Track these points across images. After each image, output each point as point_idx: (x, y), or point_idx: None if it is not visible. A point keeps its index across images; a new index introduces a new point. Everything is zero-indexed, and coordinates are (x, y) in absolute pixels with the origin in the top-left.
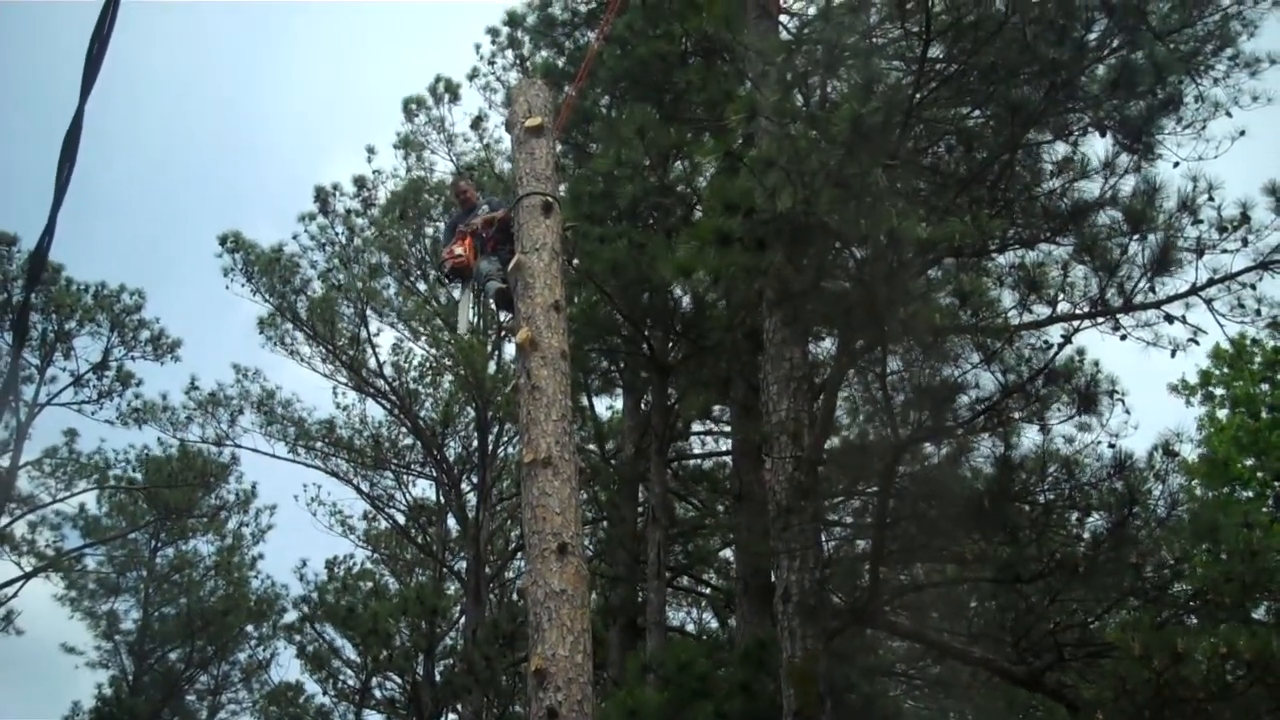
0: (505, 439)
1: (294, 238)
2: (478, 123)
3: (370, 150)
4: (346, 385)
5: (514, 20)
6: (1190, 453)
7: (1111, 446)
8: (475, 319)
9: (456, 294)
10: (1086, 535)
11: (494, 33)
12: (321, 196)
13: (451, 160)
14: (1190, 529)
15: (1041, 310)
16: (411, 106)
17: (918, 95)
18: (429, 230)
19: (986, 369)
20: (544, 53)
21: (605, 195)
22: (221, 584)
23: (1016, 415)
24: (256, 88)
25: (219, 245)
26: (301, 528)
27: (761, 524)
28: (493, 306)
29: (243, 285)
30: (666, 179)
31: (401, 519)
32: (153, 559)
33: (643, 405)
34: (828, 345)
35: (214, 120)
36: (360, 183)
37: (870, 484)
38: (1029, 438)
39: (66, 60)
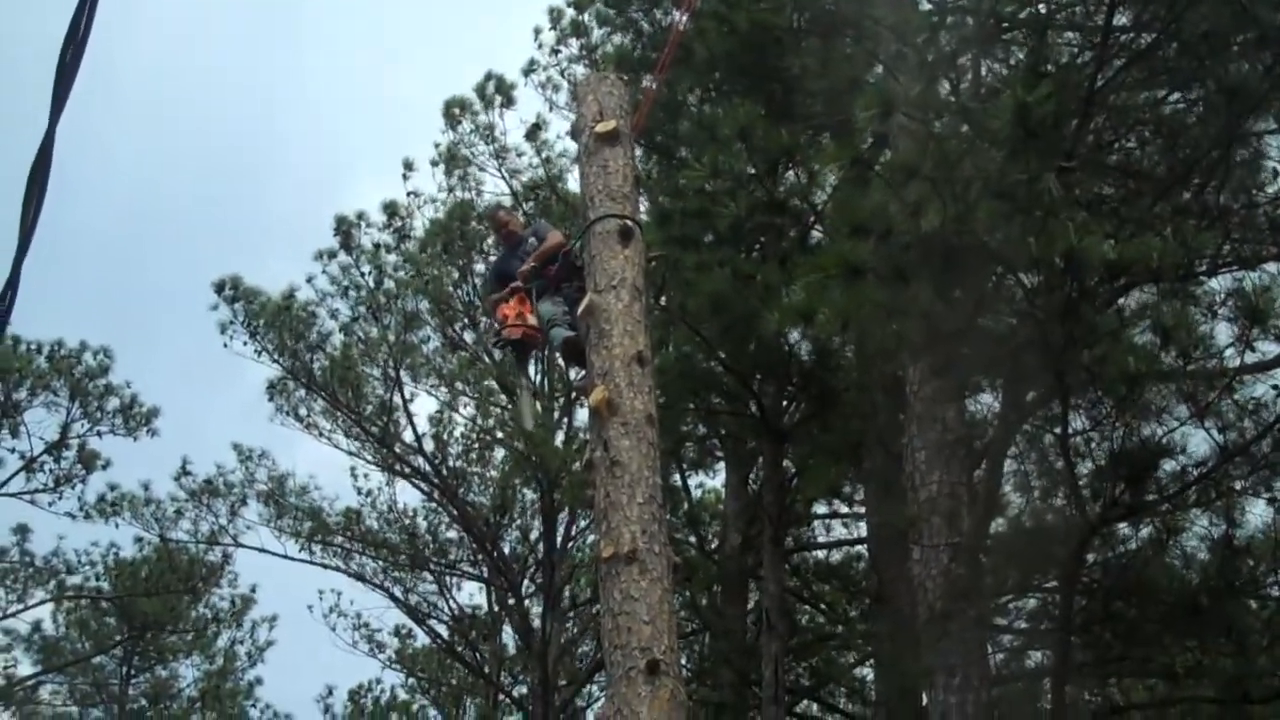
0: (577, 529)
1: (308, 281)
2: (535, 130)
3: (407, 167)
4: (375, 465)
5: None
6: None
7: None
8: (539, 410)
9: (514, 376)
10: None
11: (555, 15)
12: (343, 228)
13: (503, 177)
14: None
15: (1268, 349)
16: (454, 111)
17: (1100, 77)
18: (479, 266)
19: (1198, 426)
20: (616, 38)
21: (700, 214)
22: (211, 717)
23: (1239, 485)
24: (261, 92)
25: (214, 293)
26: (317, 645)
27: (908, 633)
28: (558, 360)
29: (245, 343)
30: (778, 193)
31: (445, 633)
32: (124, 688)
33: (751, 482)
34: (989, 400)
35: (206, 134)
36: (391, 209)
37: (1049, 578)
38: (1256, 514)
39: (31, 64)
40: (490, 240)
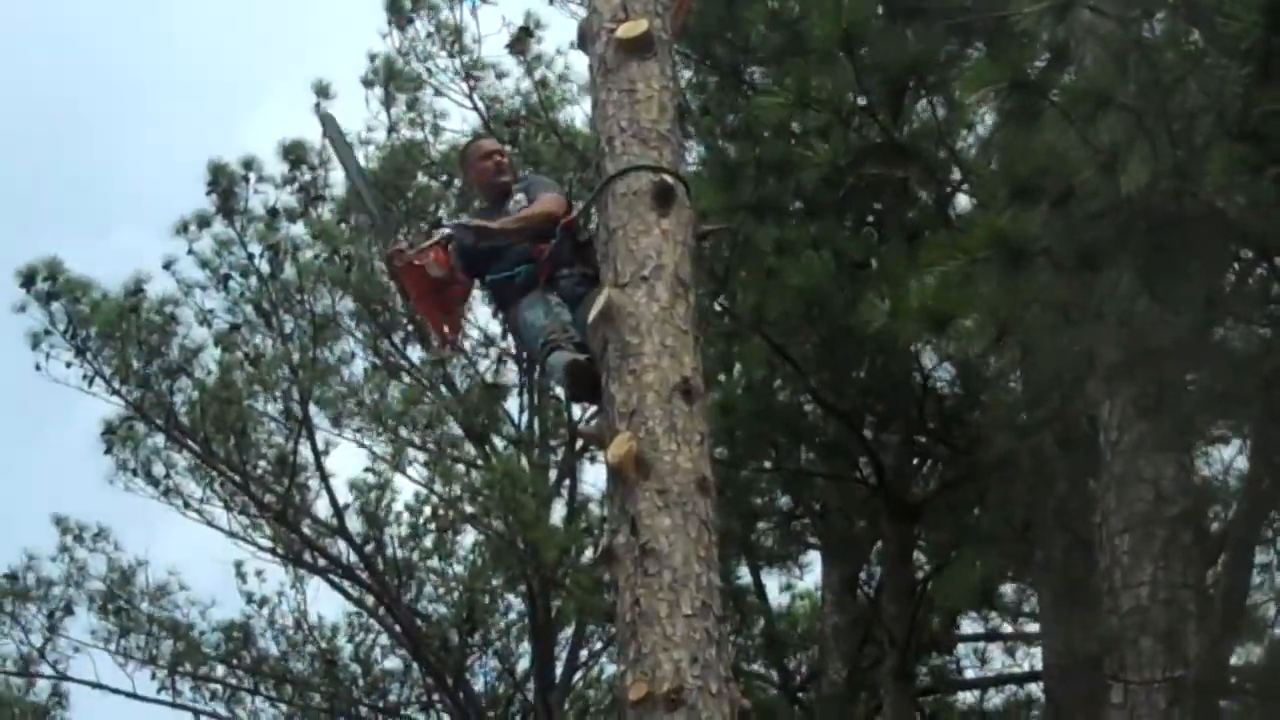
0: (588, 655)
1: (166, 267)
2: (523, 37)
3: (320, 92)
4: (271, 553)
5: None
6: None
7: None
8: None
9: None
10: None
11: None
12: (222, 183)
13: (474, 107)
14: None
15: None
16: (402, 4)
17: None
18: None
19: None
20: None
21: (782, 166)
22: None
23: None
24: None
25: (19, 286)
26: None
27: None
28: (554, 392)
29: (69, 364)
30: (901, 132)
31: None
32: None
33: (863, 585)
34: (1229, 455)
35: (29, 49)
36: (296, 155)
37: None
38: None
39: None
40: (451, 203)
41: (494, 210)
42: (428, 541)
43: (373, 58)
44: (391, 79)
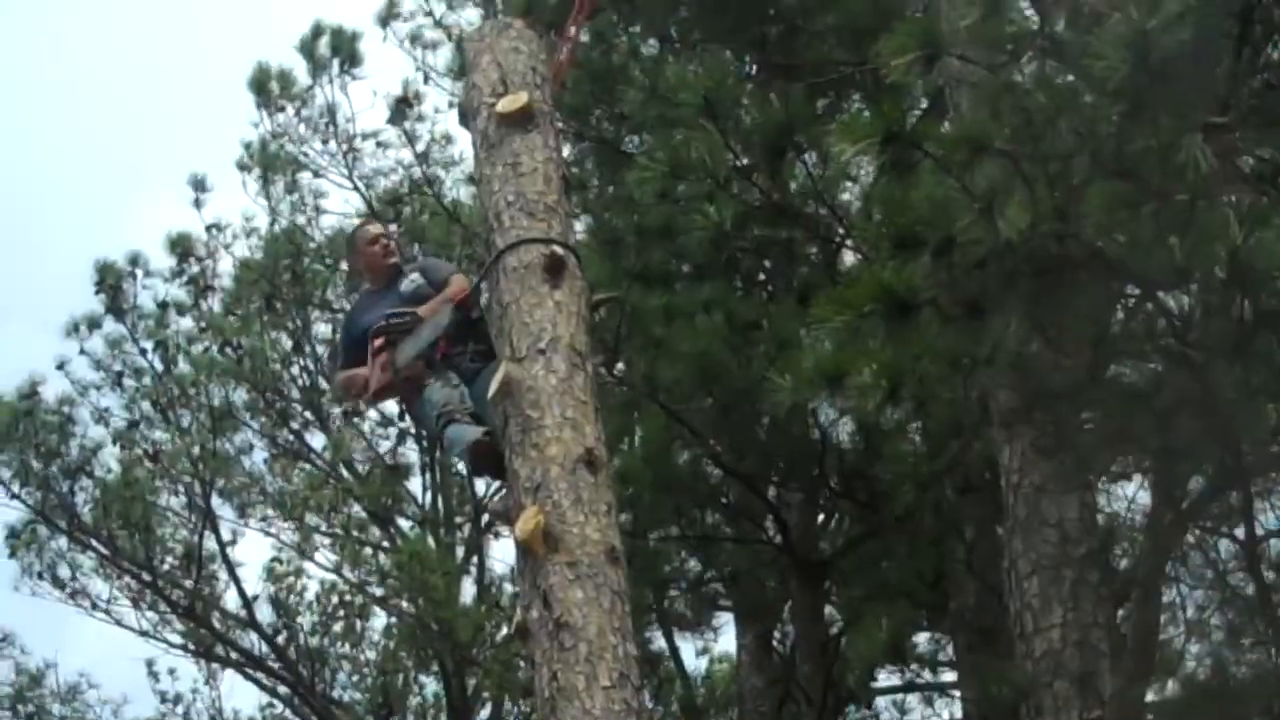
0: None
1: (60, 368)
2: (401, 110)
3: (197, 185)
4: (183, 649)
5: None
6: None
7: None
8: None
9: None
10: None
11: None
12: (108, 281)
13: (354, 185)
14: None
15: None
16: (268, 86)
17: None
18: (321, 328)
19: None
20: None
21: (665, 233)
22: None
23: None
24: None
25: None
26: None
27: None
28: (458, 470)
29: None
30: (783, 192)
31: None
32: None
33: (778, 644)
34: (1132, 490)
35: None
36: (183, 248)
37: None
38: None
39: None
40: (337, 287)
41: (386, 292)
42: (337, 627)
43: (247, 145)
44: (267, 165)
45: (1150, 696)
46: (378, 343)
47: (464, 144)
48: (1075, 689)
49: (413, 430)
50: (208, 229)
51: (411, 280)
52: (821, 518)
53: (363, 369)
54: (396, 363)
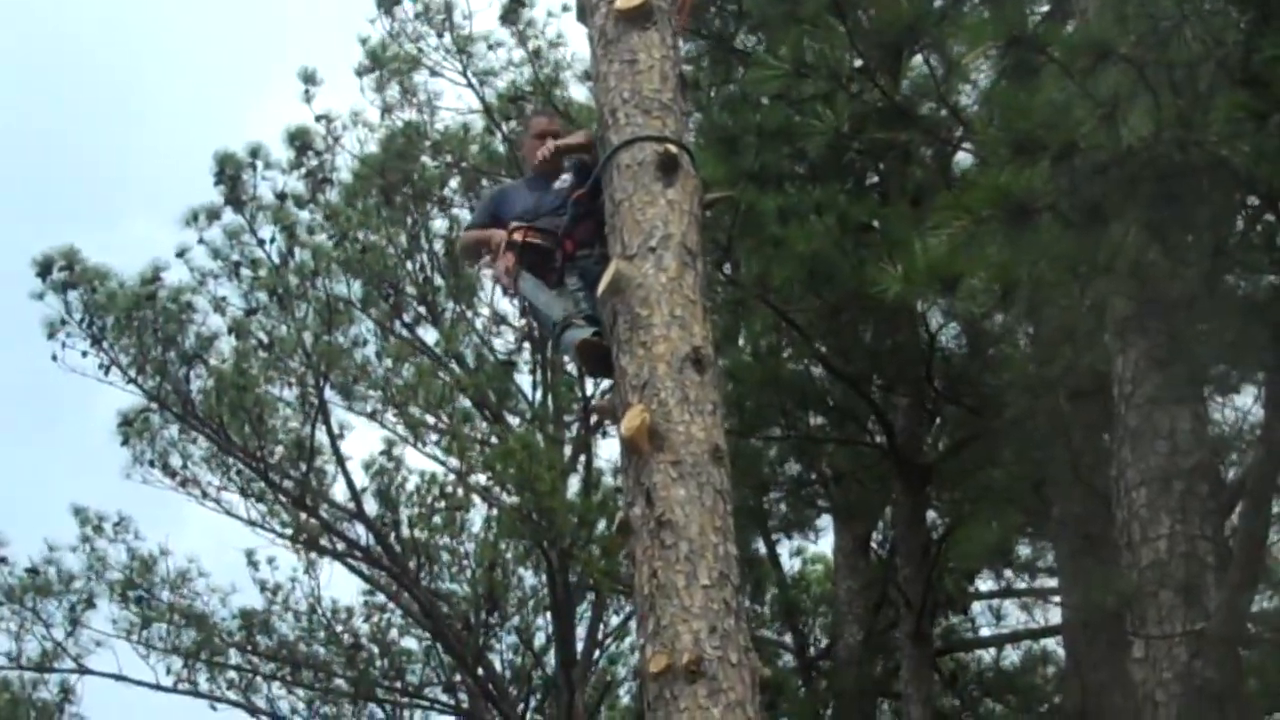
0: (607, 629)
1: (180, 255)
2: (515, 8)
3: (308, 80)
4: (287, 539)
5: None
6: None
7: None
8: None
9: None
10: None
11: None
12: (229, 172)
13: (469, 83)
14: None
15: None
16: None
17: None
18: (438, 223)
19: None
20: None
21: (782, 134)
22: None
23: None
24: None
25: (36, 276)
26: None
27: None
28: (570, 368)
29: (85, 353)
30: (899, 94)
31: None
32: None
33: (877, 548)
34: (1245, 404)
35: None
36: (302, 141)
37: None
38: None
39: None
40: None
41: (542, 182)
42: (437, 519)
43: (364, 41)
44: (382, 61)
45: (1255, 610)
46: (516, 236)
47: (577, 42)
48: (1180, 599)
49: (527, 328)
50: (317, 119)
51: (564, 180)
52: (927, 422)
53: (491, 238)
54: (517, 287)
